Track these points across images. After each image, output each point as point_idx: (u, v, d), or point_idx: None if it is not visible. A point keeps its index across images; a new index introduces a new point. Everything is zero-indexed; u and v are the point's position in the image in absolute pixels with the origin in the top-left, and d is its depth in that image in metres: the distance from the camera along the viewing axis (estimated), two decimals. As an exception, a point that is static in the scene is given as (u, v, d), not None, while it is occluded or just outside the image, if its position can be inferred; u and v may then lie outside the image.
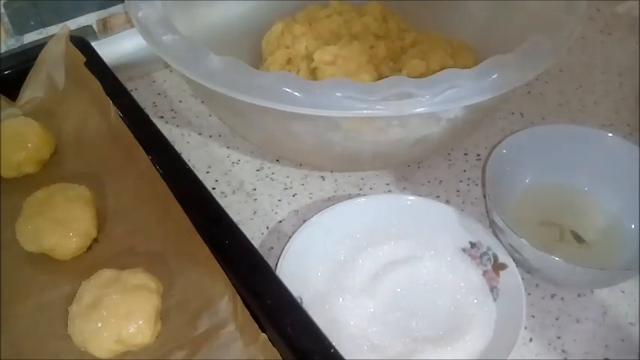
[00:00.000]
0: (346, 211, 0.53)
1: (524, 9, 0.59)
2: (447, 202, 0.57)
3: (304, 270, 0.49)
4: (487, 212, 0.55)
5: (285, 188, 0.59)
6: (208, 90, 0.47)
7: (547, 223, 0.54)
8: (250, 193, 0.58)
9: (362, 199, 0.54)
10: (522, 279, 0.48)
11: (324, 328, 0.41)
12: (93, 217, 0.48)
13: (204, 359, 0.41)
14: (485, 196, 0.55)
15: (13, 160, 0.51)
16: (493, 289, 0.49)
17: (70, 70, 0.57)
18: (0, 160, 0.51)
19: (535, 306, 0.50)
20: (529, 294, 0.50)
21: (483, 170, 0.59)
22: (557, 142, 0.55)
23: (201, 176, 0.50)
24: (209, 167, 0.61)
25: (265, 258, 0.45)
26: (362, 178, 0.60)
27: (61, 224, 0.46)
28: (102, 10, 0.67)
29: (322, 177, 0.60)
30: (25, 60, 0.59)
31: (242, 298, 0.43)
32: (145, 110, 0.56)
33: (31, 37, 0.65)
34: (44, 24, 0.65)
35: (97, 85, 0.55)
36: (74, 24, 0.66)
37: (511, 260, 0.49)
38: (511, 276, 0.48)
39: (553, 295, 0.51)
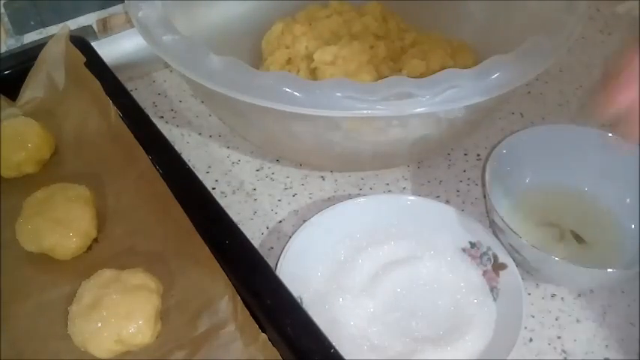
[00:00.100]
0: (346, 211, 0.53)
1: (524, 9, 0.59)
2: (447, 202, 0.57)
3: (304, 270, 0.49)
4: (487, 212, 0.55)
5: (285, 188, 0.59)
6: (208, 90, 0.47)
7: (547, 223, 0.54)
8: (250, 193, 0.58)
9: (362, 199, 0.54)
10: (522, 279, 0.48)
11: (324, 328, 0.41)
12: (93, 217, 0.48)
13: (204, 359, 0.41)
14: (485, 196, 0.55)
15: (13, 160, 0.51)
16: (493, 289, 0.49)
17: (70, 70, 0.57)
18: (0, 160, 0.51)
19: (535, 306, 0.50)
20: (529, 294, 0.50)
21: (483, 170, 0.59)
22: (557, 142, 0.55)
23: (201, 176, 0.50)
24: (209, 167, 0.61)
25: (265, 258, 0.45)
26: (362, 178, 0.60)
27: (61, 224, 0.46)
28: (102, 10, 0.67)
29: (322, 177, 0.60)
30: (25, 60, 0.59)
31: (242, 298, 0.43)
32: (145, 110, 0.56)
33: (31, 37, 0.65)
34: (44, 24, 0.65)
35: (97, 85, 0.55)
36: (74, 24, 0.66)
37: (511, 260, 0.49)
38: (511, 276, 0.48)
39: (553, 295, 0.51)
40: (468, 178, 0.60)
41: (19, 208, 0.47)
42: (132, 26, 0.63)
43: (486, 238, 0.51)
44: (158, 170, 0.50)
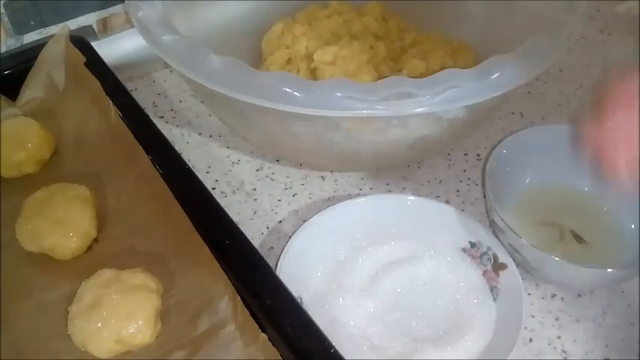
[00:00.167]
0: (346, 211, 0.53)
1: (524, 9, 0.59)
2: (447, 202, 0.57)
3: (304, 270, 0.49)
4: (487, 212, 0.55)
5: (285, 188, 0.59)
6: (208, 90, 0.47)
7: (547, 223, 0.54)
8: (250, 193, 0.58)
9: (362, 199, 0.54)
10: (522, 279, 0.48)
11: (324, 328, 0.41)
12: (93, 217, 0.48)
13: (204, 359, 0.41)
14: (485, 196, 0.55)
15: (13, 160, 0.51)
16: (493, 289, 0.49)
17: (70, 70, 0.57)
18: (0, 160, 0.51)
19: (535, 306, 0.50)
20: (529, 294, 0.50)
21: (483, 170, 0.59)
22: (557, 142, 0.55)
23: (201, 176, 0.50)
24: (209, 167, 0.61)
25: (265, 258, 0.45)
26: (362, 178, 0.60)
27: (61, 224, 0.46)
28: (102, 10, 0.67)
29: (322, 177, 0.60)
30: (25, 60, 0.59)
31: (242, 298, 0.43)
32: (145, 110, 0.56)
33: (31, 37, 0.65)
34: (44, 24, 0.65)
35: (97, 85, 0.55)
36: (74, 24, 0.66)
37: (511, 260, 0.49)
38: (511, 276, 0.48)
39: (553, 295, 0.51)
40: (468, 178, 0.60)
41: (19, 208, 0.47)
42: (132, 26, 0.63)
43: (486, 238, 0.51)
44: (158, 170, 0.50)
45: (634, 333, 0.49)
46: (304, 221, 0.52)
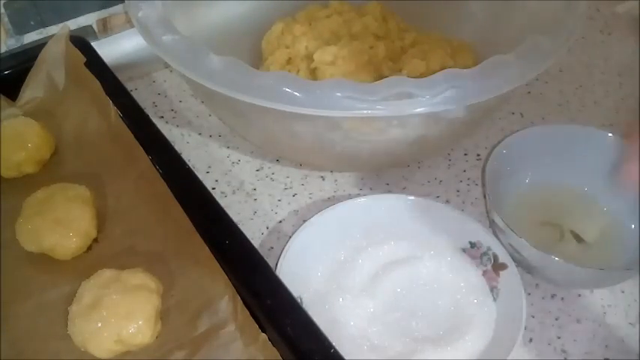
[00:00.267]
0: (346, 211, 0.53)
1: (524, 9, 0.59)
2: (447, 202, 0.57)
3: (304, 270, 0.49)
4: (487, 212, 0.55)
5: (285, 188, 0.59)
6: (208, 90, 0.47)
7: (547, 223, 0.54)
8: (250, 193, 0.58)
9: (362, 199, 0.54)
10: (522, 279, 0.48)
11: (324, 328, 0.41)
12: (93, 217, 0.48)
13: (204, 359, 0.41)
14: (485, 196, 0.55)
15: (13, 160, 0.51)
16: (493, 289, 0.49)
17: (70, 70, 0.57)
18: (0, 160, 0.51)
19: (535, 306, 0.50)
20: (529, 294, 0.50)
21: (483, 170, 0.59)
22: (557, 142, 0.55)
23: (201, 176, 0.50)
24: (209, 167, 0.61)
25: (265, 258, 0.45)
26: (362, 178, 0.60)
27: (61, 224, 0.46)
28: (102, 10, 0.67)
29: (322, 177, 0.60)
30: (25, 60, 0.59)
31: (242, 298, 0.43)
32: (145, 110, 0.56)
33: (31, 37, 0.65)
34: (44, 24, 0.65)
35: (97, 85, 0.55)
36: (74, 24, 0.66)
37: (511, 260, 0.49)
38: (511, 276, 0.48)
39: (553, 295, 0.51)
40: (468, 178, 0.60)
41: (19, 208, 0.47)
42: (132, 26, 0.63)
43: (486, 238, 0.51)
44: (158, 170, 0.50)
45: (634, 333, 0.49)
46: (304, 221, 0.52)
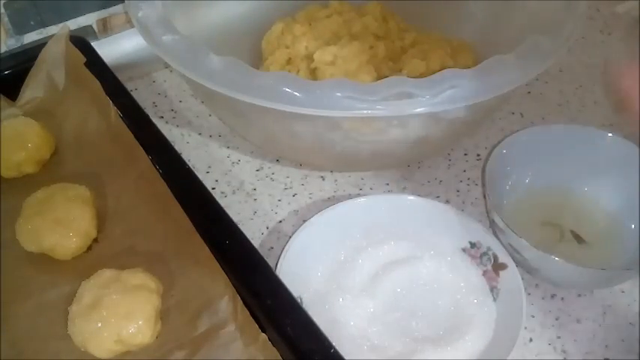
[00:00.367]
0: (346, 211, 0.53)
1: (524, 9, 0.59)
2: (447, 202, 0.57)
3: (304, 270, 0.49)
4: (487, 212, 0.55)
5: (285, 188, 0.59)
6: (208, 90, 0.47)
7: (547, 223, 0.54)
8: (250, 193, 0.58)
9: (362, 199, 0.54)
10: (522, 279, 0.48)
11: (324, 328, 0.41)
12: (93, 217, 0.48)
13: (204, 359, 0.41)
14: (485, 196, 0.55)
15: (13, 160, 0.51)
16: (493, 289, 0.49)
17: (70, 70, 0.57)
18: (0, 160, 0.51)
19: (535, 306, 0.50)
20: (529, 294, 0.50)
21: (483, 170, 0.59)
22: (557, 142, 0.55)
23: (201, 176, 0.50)
24: (209, 167, 0.61)
25: (265, 258, 0.45)
26: (362, 178, 0.60)
27: (61, 224, 0.46)
28: (102, 10, 0.67)
29: (322, 177, 0.60)
30: (25, 60, 0.59)
31: (242, 298, 0.43)
32: (145, 110, 0.56)
33: (31, 37, 0.65)
34: (44, 24, 0.65)
35: (97, 85, 0.55)
36: (74, 24, 0.66)
37: (511, 260, 0.49)
38: (511, 276, 0.48)
39: (553, 295, 0.51)
40: (468, 178, 0.60)
41: (19, 208, 0.47)
42: (132, 26, 0.63)
43: (486, 238, 0.51)
44: (158, 170, 0.50)
45: (634, 333, 0.49)
46: (304, 221, 0.52)
